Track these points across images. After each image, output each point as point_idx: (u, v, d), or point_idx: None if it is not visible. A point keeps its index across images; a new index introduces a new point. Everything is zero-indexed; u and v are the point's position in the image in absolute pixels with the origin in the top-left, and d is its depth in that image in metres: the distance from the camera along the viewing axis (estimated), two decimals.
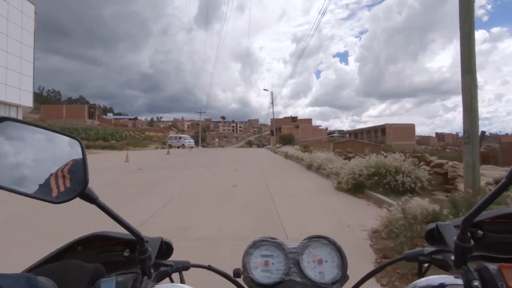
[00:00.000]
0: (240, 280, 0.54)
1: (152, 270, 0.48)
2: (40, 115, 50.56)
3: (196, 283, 0.46)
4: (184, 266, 0.54)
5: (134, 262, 0.48)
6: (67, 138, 0.46)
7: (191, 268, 0.55)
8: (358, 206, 4.84)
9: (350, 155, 11.06)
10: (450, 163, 6.25)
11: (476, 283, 0.38)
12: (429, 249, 0.50)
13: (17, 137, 0.42)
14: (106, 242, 0.54)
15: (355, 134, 56.43)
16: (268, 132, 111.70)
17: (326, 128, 77.64)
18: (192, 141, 39.51)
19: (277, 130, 67.04)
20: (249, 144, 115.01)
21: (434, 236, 0.51)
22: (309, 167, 10.61)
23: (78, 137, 0.47)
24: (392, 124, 45.94)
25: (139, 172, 9.38)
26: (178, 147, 36.10)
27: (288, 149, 21.51)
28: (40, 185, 0.41)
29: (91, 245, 0.53)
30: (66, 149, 0.45)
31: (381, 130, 47.48)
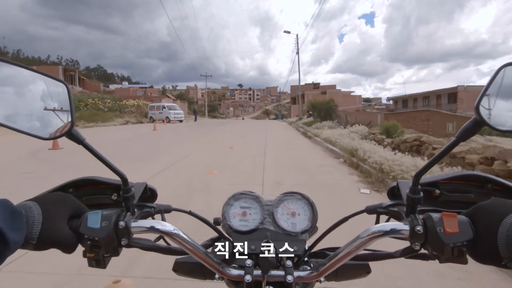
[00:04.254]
0: (219, 227, 0.59)
1: (136, 210, 0.53)
2: None
3: (176, 225, 0.48)
4: (166, 209, 0.60)
5: (121, 205, 0.53)
6: (54, 81, 0.48)
7: (173, 212, 0.61)
8: None
9: None
10: None
11: (418, 227, 0.44)
12: (387, 202, 0.56)
13: (6, 77, 0.45)
14: (95, 186, 0.57)
15: (404, 101, 42.97)
16: (288, 100, 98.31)
17: (360, 96, 63.20)
18: (181, 112, 28.03)
19: (298, 98, 54.39)
20: (266, 113, 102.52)
21: (395, 193, 0.57)
22: None
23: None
24: (466, 86, 32.33)
25: None
26: (164, 121, 25.05)
27: (343, 134, 9.34)
28: (30, 122, 0.46)
29: (82, 189, 0.57)
30: (53, 90, 0.48)
31: (449, 95, 34.05)
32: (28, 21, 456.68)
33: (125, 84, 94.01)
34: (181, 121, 27.09)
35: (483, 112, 0.40)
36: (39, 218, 0.42)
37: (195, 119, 31.78)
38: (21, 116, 0.46)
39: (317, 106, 17.93)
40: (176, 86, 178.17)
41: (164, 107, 26.93)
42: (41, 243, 0.43)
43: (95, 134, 12.61)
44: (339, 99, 48.54)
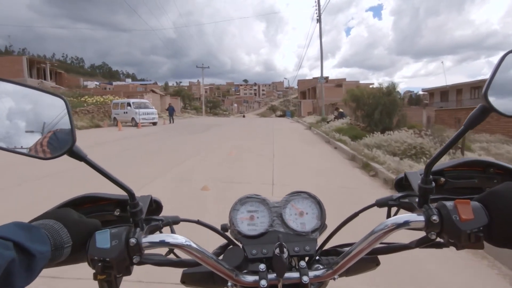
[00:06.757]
0: (227, 234, 0.58)
1: (143, 224, 0.51)
2: None
3: (186, 236, 0.48)
4: (174, 221, 0.58)
5: (125, 221, 0.52)
6: (52, 97, 0.46)
7: (181, 223, 0.60)
8: None
9: None
10: None
11: (434, 217, 0.43)
12: (397, 194, 0.56)
13: (1, 96, 0.43)
14: (95, 203, 0.55)
15: (443, 93, 34.86)
16: (295, 96, 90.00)
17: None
18: (154, 111, 20.09)
19: (309, 92, 46.67)
20: (272, 110, 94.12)
21: (403, 184, 0.57)
22: None
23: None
24: None
25: None
26: (119, 126, 17.12)
27: None
28: (27, 143, 0.43)
29: (82, 207, 0.54)
30: (51, 107, 0.45)
31: None
32: (35, 20, 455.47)
33: (128, 81, 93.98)
34: (154, 123, 19.71)
35: (491, 98, 0.39)
36: (60, 227, 0.41)
37: (171, 121, 23.05)
38: (17, 136, 0.43)
39: (364, 101, 9.35)
40: (180, 82, 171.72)
41: (130, 105, 19.10)
42: (74, 250, 0.42)
43: None
44: None
